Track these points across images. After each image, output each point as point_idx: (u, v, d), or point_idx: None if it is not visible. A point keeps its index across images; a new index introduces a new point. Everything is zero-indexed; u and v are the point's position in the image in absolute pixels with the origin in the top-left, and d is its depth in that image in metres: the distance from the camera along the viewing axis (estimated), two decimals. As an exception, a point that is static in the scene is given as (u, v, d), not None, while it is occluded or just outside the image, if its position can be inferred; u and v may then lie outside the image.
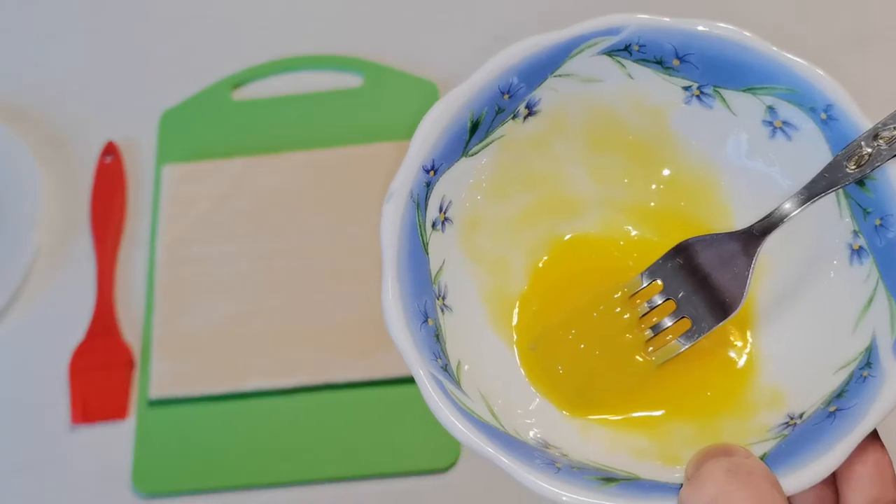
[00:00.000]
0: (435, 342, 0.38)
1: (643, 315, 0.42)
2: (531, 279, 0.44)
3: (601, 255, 0.45)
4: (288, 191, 0.65)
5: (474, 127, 0.41)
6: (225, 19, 0.74)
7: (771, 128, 0.42)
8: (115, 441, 0.59)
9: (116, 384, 0.60)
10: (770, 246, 0.40)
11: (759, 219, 0.40)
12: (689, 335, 0.41)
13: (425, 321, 0.38)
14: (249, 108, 0.69)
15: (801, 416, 0.38)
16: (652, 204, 0.45)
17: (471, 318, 0.41)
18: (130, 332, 0.62)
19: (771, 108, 0.41)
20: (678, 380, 0.42)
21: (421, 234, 0.40)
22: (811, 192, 0.39)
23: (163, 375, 0.60)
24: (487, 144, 0.42)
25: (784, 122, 0.41)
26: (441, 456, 0.57)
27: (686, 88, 0.42)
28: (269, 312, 0.61)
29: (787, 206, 0.40)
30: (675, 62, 0.42)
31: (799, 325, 0.42)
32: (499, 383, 0.40)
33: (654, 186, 0.45)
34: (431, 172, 0.40)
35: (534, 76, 0.42)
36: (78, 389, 0.60)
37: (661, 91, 0.43)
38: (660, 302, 0.41)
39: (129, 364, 0.61)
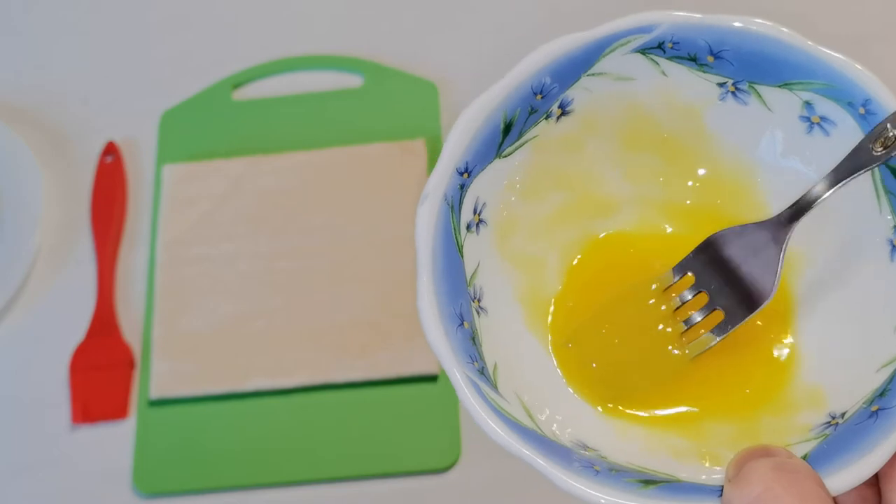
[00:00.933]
0: (471, 345, 0.38)
1: (676, 309, 0.42)
2: (565, 278, 0.44)
3: (635, 251, 0.45)
4: (288, 191, 0.65)
5: (507, 128, 0.41)
6: (225, 19, 0.74)
7: (808, 123, 0.41)
8: (116, 441, 0.59)
9: (117, 384, 0.60)
10: (805, 238, 0.40)
11: (786, 207, 0.40)
12: (722, 327, 0.41)
13: (461, 324, 0.38)
14: (250, 108, 0.69)
15: (842, 415, 0.37)
16: (687, 202, 0.45)
17: (506, 319, 0.41)
18: (131, 331, 0.62)
19: (808, 104, 0.41)
20: (715, 376, 0.42)
21: (455, 237, 0.39)
22: (838, 175, 0.39)
23: (163, 375, 0.60)
24: (521, 145, 0.42)
25: (822, 118, 0.41)
26: (441, 456, 0.57)
27: (721, 85, 0.42)
28: (270, 312, 0.61)
29: (815, 190, 0.39)
30: (710, 59, 0.42)
31: (839, 322, 0.41)
32: (535, 384, 0.40)
33: (689, 184, 0.45)
34: (465, 174, 0.40)
35: (567, 76, 0.41)
36: (78, 389, 0.60)
37: (696, 88, 0.42)
38: (691, 296, 0.41)
39: (130, 364, 0.61)
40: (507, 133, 0.41)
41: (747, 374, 0.42)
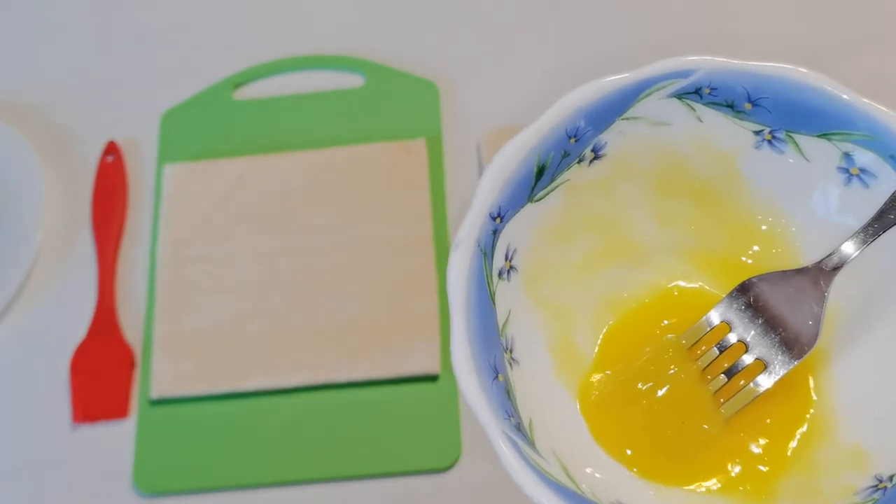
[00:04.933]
0: (506, 399, 0.36)
1: (708, 364, 0.40)
2: (596, 335, 0.42)
3: (666, 308, 0.43)
4: (289, 190, 0.65)
5: (540, 172, 0.40)
6: (226, 19, 0.74)
7: (846, 175, 0.40)
8: (116, 440, 0.59)
9: (117, 383, 0.60)
10: (836, 288, 0.39)
11: (825, 255, 0.39)
12: (765, 377, 0.39)
13: (496, 377, 0.36)
14: (250, 108, 0.69)
15: (891, 478, 0.36)
16: (719, 249, 0.44)
17: (537, 371, 0.40)
18: (131, 331, 0.62)
19: (847, 155, 0.40)
20: (749, 436, 0.40)
21: (488, 285, 0.38)
22: (881, 224, 0.38)
23: (164, 375, 0.60)
24: (552, 189, 0.41)
25: (861, 170, 0.40)
26: (441, 456, 0.57)
27: (757, 133, 0.41)
28: (270, 312, 0.61)
29: (855, 240, 0.38)
30: (747, 106, 0.40)
31: (875, 377, 0.40)
32: (569, 442, 0.39)
33: (720, 231, 0.44)
34: (498, 219, 0.39)
35: (602, 119, 0.40)
36: (79, 389, 0.60)
37: (731, 135, 0.41)
38: (727, 346, 0.40)
39: (131, 363, 0.61)
40: (539, 177, 0.40)
41: (781, 432, 0.40)
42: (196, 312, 0.61)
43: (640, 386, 0.41)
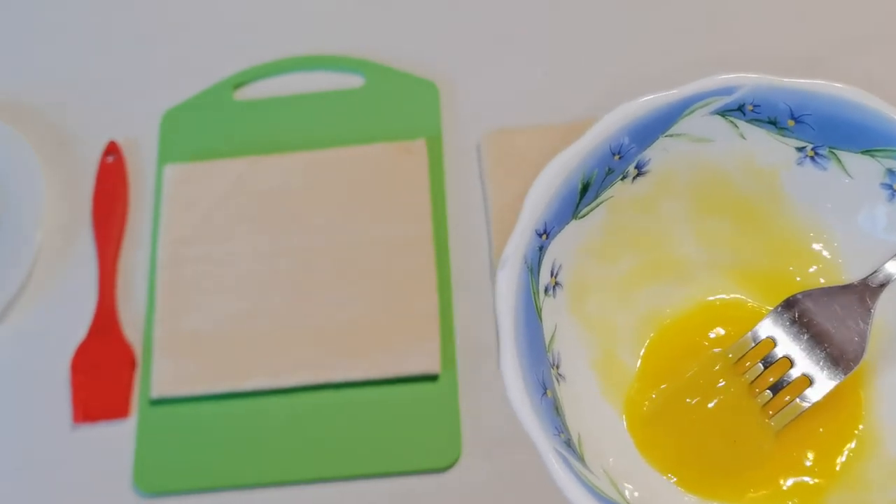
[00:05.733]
0: (555, 415, 0.37)
1: (756, 378, 0.40)
2: (639, 354, 0.42)
3: (710, 322, 0.43)
4: (289, 191, 0.65)
5: (584, 188, 0.40)
6: (226, 19, 0.74)
7: (890, 191, 0.40)
8: (117, 440, 0.59)
9: (118, 383, 0.60)
10: (881, 305, 0.39)
11: (870, 272, 0.39)
12: (811, 392, 0.39)
13: (544, 393, 0.37)
14: (251, 108, 0.69)
15: None
16: (760, 267, 0.43)
17: (583, 387, 0.40)
18: (132, 331, 0.62)
19: (891, 171, 0.40)
20: (796, 449, 0.40)
21: (535, 301, 0.38)
22: None
23: (164, 374, 0.60)
24: (596, 206, 0.41)
25: None
26: (441, 456, 0.57)
27: (800, 149, 0.41)
28: (271, 312, 0.61)
29: None
30: (790, 123, 0.41)
31: None
32: (615, 456, 0.39)
33: (762, 248, 0.44)
34: (544, 236, 0.39)
35: (645, 136, 0.41)
36: (79, 388, 0.60)
37: (773, 152, 0.41)
38: (773, 361, 0.40)
39: (131, 363, 0.61)
40: (584, 193, 0.40)
41: (830, 446, 0.40)
42: (196, 312, 0.61)
43: (688, 400, 0.41)
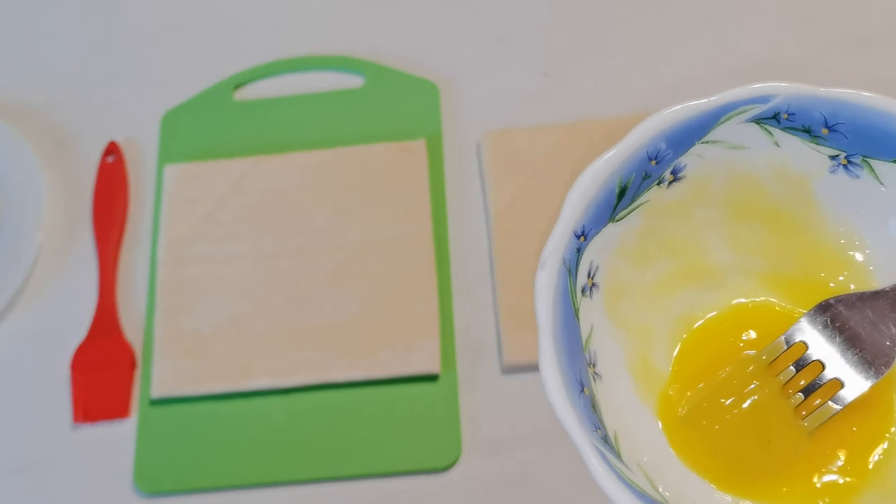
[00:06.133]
0: (592, 412, 0.37)
1: (789, 380, 0.41)
2: (673, 357, 0.43)
3: (742, 324, 0.44)
4: (289, 191, 0.65)
5: (622, 192, 0.41)
6: (226, 20, 0.74)
7: None
8: (117, 440, 0.59)
9: (118, 383, 0.60)
10: None
11: None
12: (843, 395, 0.39)
13: (582, 390, 0.37)
14: (251, 109, 0.69)
15: None
16: (792, 273, 0.44)
17: (618, 387, 0.41)
18: (132, 331, 0.62)
19: None
20: (831, 450, 0.40)
21: (573, 300, 0.39)
22: None
23: (164, 375, 0.60)
24: (632, 210, 0.42)
25: None
26: (441, 456, 0.57)
27: (833, 157, 0.42)
28: (271, 312, 0.61)
29: None
30: (824, 131, 0.41)
31: None
32: (650, 455, 0.39)
33: (794, 255, 0.44)
34: (582, 238, 0.40)
35: (681, 142, 0.41)
36: (80, 389, 0.60)
37: (807, 160, 0.42)
38: (806, 363, 0.40)
39: (131, 363, 0.61)
40: (621, 197, 0.41)
41: (863, 447, 0.40)
42: (196, 312, 0.61)
43: (722, 400, 0.41)
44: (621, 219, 0.41)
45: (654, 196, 0.42)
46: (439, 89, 0.68)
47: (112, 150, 0.68)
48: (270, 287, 0.62)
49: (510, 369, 0.59)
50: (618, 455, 0.36)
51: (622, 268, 0.42)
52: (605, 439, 0.36)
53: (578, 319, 0.39)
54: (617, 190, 0.40)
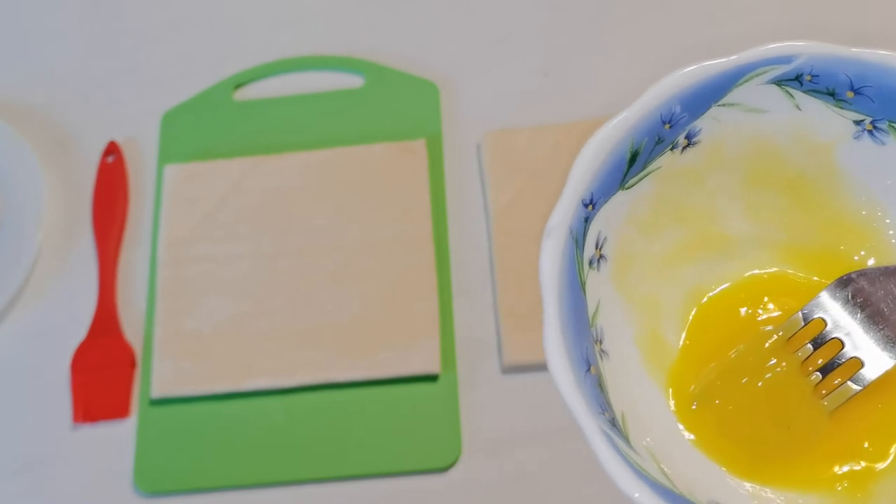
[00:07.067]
0: (599, 392, 0.35)
1: (807, 357, 0.39)
2: (685, 331, 0.41)
3: (757, 298, 0.42)
4: (289, 191, 0.65)
5: (633, 158, 0.38)
6: (226, 20, 0.74)
7: None
8: (117, 440, 0.59)
9: (118, 383, 0.60)
10: None
11: None
12: (862, 376, 0.38)
13: (588, 370, 0.35)
14: (251, 109, 0.69)
15: None
16: (812, 244, 0.42)
17: (627, 365, 0.39)
18: (132, 331, 0.62)
19: None
20: (851, 433, 0.38)
21: (579, 274, 0.37)
22: None
23: (164, 375, 0.60)
24: (644, 177, 0.39)
25: None
26: (441, 456, 0.57)
27: (858, 122, 0.39)
28: (271, 312, 0.61)
29: None
30: (850, 94, 0.39)
31: None
32: (659, 437, 0.37)
33: (814, 225, 0.42)
34: (590, 207, 0.37)
35: (697, 105, 0.39)
36: (80, 389, 0.60)
37: (830, 125, 0.40)
38: (825, 341, 0.38)
39: (131, 363, 0.61)
40: (632, 163, 0.38)
41: (885, 431, 0.38)
42: (196, 312, 0.61)
43: (737, 378, 0.39)
44: (632, 186, 0.39)
45: (667, 162, 0.40)
46: (439, 89, 0.68)
47: (112, 150, 0.68)
48: (270, 287, 0.62)
49: (510, 369, 0.59)
50: (626, 439, 0.35)
51: (632, 237, 0.40)
52: (613, 422, 0.35)
53: (585, 293, 0.37)
54: (628, 156, 0.38)
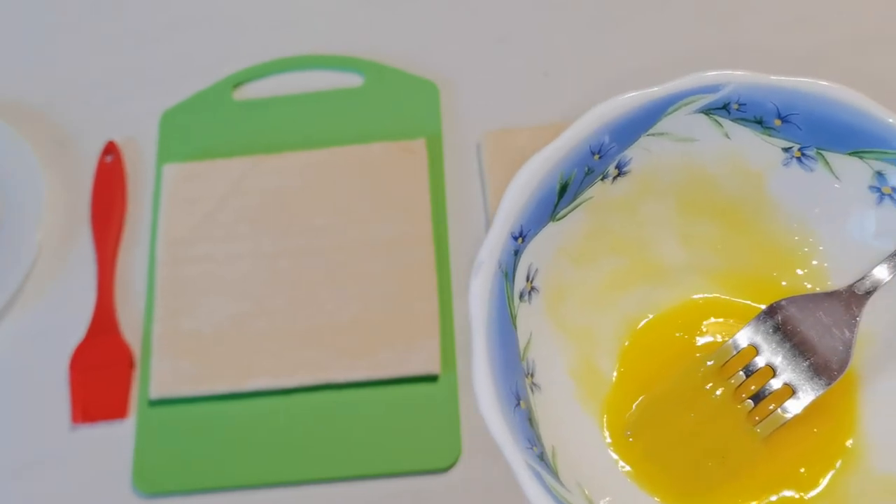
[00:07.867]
0: (528, 427, 0.35)
1: (740, 385, 0.39)
2: (619, 360, 0.41)
3: (691, 326, 0.42)
4: (288, 190, 0.65)
5: (563, 189, 0.38)
6: (226, 19, 0.74)
7: (878, 194, 0.39)
8: (116, 441, 0.59)
9: (117, 384, 0.60)
10: (868, 313, 0.37)
11: (857, 278, 0.38)
12: (794, 402, 0.38)
13: (518, 404, 0.35)
14: (250, 108, 0.69)
15: None
16: (745, 271, 0.42)
17: (560, 396, 0.38)
18: (131, 331, 0.62)
19: (880, 174, 0.38)
20: (785, 461, 0.39)
21: (510, 308, 0.37)
22: None
23: (163, 375, 0.60)
24: (575, 207, 0.39)
25: (895, 189, 0.38)
26: (441, 456, 0.57)
27: (786, 150, 0.40)
28: (270, 312, 0.61)
29: (888, 264, 0.37)
30: (777, 122, 0.39)
31: None
32: (591, 469, 0.37)
33: (747, 252, 0.42)
34: (520, 240, 0.37)
35: (626, 135, 0.39)
36: (78, 389, 0.60)
37: (759, 152, 0.40)
38: (756, 369, 0.38)
39: (130, 363, 0.61)
40: (562, 195, 0.38)
41: (817, 458, 0.38)
42: (196, 312, 0.61)
43: (672, 407, 0.40)
44: (563, 217, 0.39)
45: (599, 192, 0.40)
46: (439, 89, 0.68)
47: (111, 149, 0.68)
48: (270, 287, 0.62)
49: (510, 369, 0.59)
50: (554, 474, 0.35)
51: (564, 268, 0.40)
52: (542, 456, 0.35)
53: (516, 327, 0.37)
54: (558, 187, 0.38)
